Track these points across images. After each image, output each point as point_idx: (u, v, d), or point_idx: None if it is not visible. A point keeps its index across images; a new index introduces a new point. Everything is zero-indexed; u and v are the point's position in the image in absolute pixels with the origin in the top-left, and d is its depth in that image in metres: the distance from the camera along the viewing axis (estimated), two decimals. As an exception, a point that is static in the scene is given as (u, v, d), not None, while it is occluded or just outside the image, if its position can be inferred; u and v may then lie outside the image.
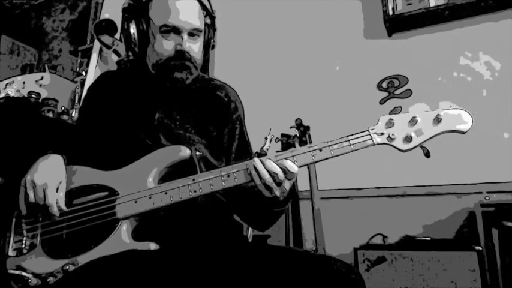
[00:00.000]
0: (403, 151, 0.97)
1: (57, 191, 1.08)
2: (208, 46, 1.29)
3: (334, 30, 2.89)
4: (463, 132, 0.95)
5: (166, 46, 1.17)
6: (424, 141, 0.96)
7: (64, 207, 1.07)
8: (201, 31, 1.22)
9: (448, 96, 2.41)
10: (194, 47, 1.20)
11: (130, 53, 1.28)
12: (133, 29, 1.21)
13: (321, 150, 0.98)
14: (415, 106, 0.91)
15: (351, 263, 2.09)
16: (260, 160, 0.98)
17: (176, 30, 1.17)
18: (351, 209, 2.56)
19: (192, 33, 1.19)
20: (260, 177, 0.97)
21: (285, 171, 0.96)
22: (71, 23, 4.28)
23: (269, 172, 0.96)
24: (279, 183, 0.97)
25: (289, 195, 1.07)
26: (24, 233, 1.09)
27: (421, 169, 2.25)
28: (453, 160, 2.28)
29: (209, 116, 1.25)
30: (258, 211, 1.12)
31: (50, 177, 1.08)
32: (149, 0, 1.22)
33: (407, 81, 2.57)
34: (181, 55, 1.17)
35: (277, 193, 0.98)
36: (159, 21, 1.17)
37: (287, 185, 0.99)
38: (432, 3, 2.45)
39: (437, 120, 0.95)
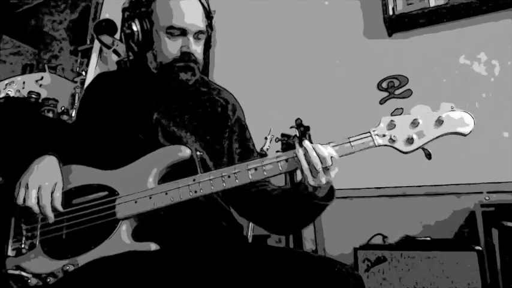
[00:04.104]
0: (405, 153, 0.97)
1: (52, 192, 1.07)
2: (207, 46, 1.29)
3: (334, 30, 2.88)
4: (465, 135, 0.95)
5: (171, 47, 1.17)
6: (425, 143, 0.96)
7: (60, 208, 1.06)
8: (204, 33, 1.22)
9: (448, 96, 2.40)
10: (198, 49, 1.21)
11: (130, 53, 1.28)
12: (135, 29, 1.21)
13: (322, 151, 0.97)
14: (416, 107, 0.90)
15: (351, 263, 2.10)
16: (310, 143, 0.95)
17: (183, 32, 1.17)
18: (351, 209, 2.56)
19: (197, 36, 1.19)
20: (308, 160, 0.94)
21: (332, 158, 0.93)
22: (71, 23, 4.27)
23: (318, 155, 0.93)
24: (326, 169, 0.94)
25: (331, 191, 1.03)
26: (24, 232, 1.09)
27: (421, 169, 2.24)
28: (453, 160, 2.28)
29: (207, 119, 1.25)
30: (295, 209, 1.06)
31: (45, 179, 1.07)
32: (152, 0, 1.22)
33: (407, 81, 2.57)
34: (187, 57, 1.17)
35: (323, 180, 0.94)
36: (164, 22, 1.17)
37: (332, 173, 0.96)
38: (432, 3, 2.45)
39: (439, 122, 0.95)
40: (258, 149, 2.20)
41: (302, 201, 1.02)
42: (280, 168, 0.98)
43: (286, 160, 0.98)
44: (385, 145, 0.97)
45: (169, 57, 1.18)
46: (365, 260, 2.10)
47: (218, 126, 1.26)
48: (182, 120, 1.22)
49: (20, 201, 1.05)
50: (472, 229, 2.14)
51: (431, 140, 0.96)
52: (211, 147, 1.22)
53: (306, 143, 0.95)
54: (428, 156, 0.96)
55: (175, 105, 1.24)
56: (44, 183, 1.06)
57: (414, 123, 0.96)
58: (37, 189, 1.05)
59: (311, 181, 0.95)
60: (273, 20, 3.11)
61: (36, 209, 1.05)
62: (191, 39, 1.18)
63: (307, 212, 1.05)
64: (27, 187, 1.06)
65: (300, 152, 0.95)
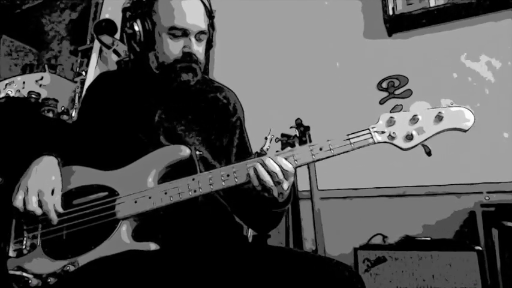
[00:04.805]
0: (404, 150, 0.96)
1: (52, 193, 1.06)
2: (209, 46, 1.29)
3: (334, 30, 2.88)
4: (465, 130, 0.94)
5: (173, 48, 1.17)
6: (425, 140, 0.95)
7: (60, 209, 1.06)
8: (206, 33, 1.22)
9: (447, 96, 2.37)
10: (199, 49, 1.21)
11: (131, 53, 1.28)
12: (137, 29, 1.20)
13: (321, 149, 0.97)
14: (415, 104, 0.90)
15: (350, 263, 2.10)
16: (260, 162, 0.97)
17: (184, 33, 1.17)
18: (351, 209, 2.56)
19: (198, 36, 1.19)
20: (259, 179, 0.96)
21: (283, 171, 0.96)
22: (71, 23, 4.27)
23: (268, 172, 0.96)
24: (277, 183, 0.97)
25: (289, 197, 1.07)
26: (25, 233, 1.08)
27: (421, 169, 2.25)
28: (453, 160, 2.28)
29: (209, 117, 1.25)
30: (258, 212, 1.12)
31: (44, 182, 1.06)
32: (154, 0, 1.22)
33: (407, 81, 2.57)
34: (189, 57, 1.17)
35: (275, 194, 0.98)
36: (166, 22, 1.17)
37: (285, 185, 0.98)
38: (432, 3, 2.45)
39: (439, 118, 0.94)
40: (258, 149, 2.21)
41: (261, 208, 1.08)
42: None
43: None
44: (385, 142, 0.97)
45: (171, 57, 1.18)
46: (365, 260, 2.09)
47: (219, 126, 1.26)
48: (183, 120, 1.22)
49: (19, 204, 1.04)
50: (472, 229, 2.14)
51: (431, 136, 0.95)
52: (212, 146, 1.22)
53: (256, 164, 0.97)
54: (429, 153, 0.96)
55: (177, 104, 1.24)
56: (43, 186, 1.05)
57: (414, 120, 0.95)
58: (37, 193, 1.04)
59: (265, 194, 0.99)
60: (273, 19, 3.11)
61: (38, 212, 1.04)
62: (193, 39, 1.18)
63: (267, 217, 1.14)
64: (26, 191, 1.05)
65: (251, 172, 0.97)
